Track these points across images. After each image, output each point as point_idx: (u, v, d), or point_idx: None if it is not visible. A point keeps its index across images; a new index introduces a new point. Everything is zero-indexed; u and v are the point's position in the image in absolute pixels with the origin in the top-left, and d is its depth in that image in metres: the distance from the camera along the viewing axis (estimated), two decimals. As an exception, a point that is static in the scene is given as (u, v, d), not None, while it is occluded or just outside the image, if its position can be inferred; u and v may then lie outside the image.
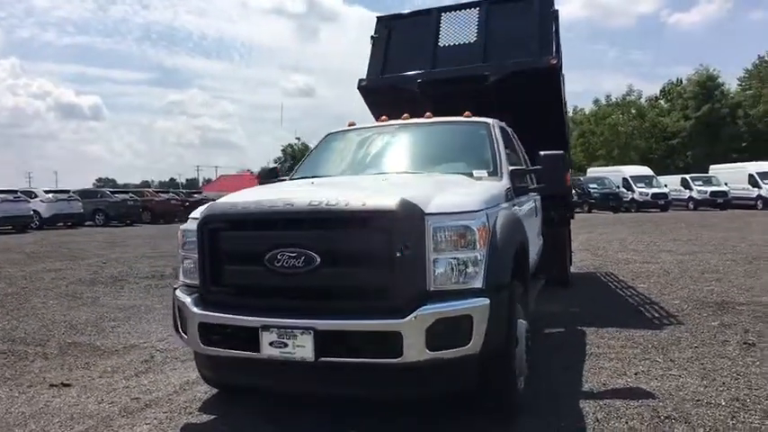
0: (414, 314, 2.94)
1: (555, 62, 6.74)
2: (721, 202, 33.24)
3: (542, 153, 4.53)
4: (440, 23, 7.67)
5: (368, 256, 3.09)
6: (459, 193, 3.48)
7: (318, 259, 3.08)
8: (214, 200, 3.81)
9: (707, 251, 12.20)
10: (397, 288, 3.01)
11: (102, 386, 4.54)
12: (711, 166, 38.66)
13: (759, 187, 32.85)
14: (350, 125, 5.55)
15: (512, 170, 4.49)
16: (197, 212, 3.71)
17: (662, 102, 53.39)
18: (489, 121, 5.04)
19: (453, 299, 3.04)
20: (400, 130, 5.16)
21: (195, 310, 3.38)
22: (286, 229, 3.22)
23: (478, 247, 3.11)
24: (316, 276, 3.10)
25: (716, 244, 13.58)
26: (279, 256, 3.14)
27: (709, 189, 34.37)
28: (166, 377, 4.73)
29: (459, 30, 7.64)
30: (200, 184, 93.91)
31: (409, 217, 3.05)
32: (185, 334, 3.51)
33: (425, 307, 2.97)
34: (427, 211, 3.10)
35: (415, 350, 2.95)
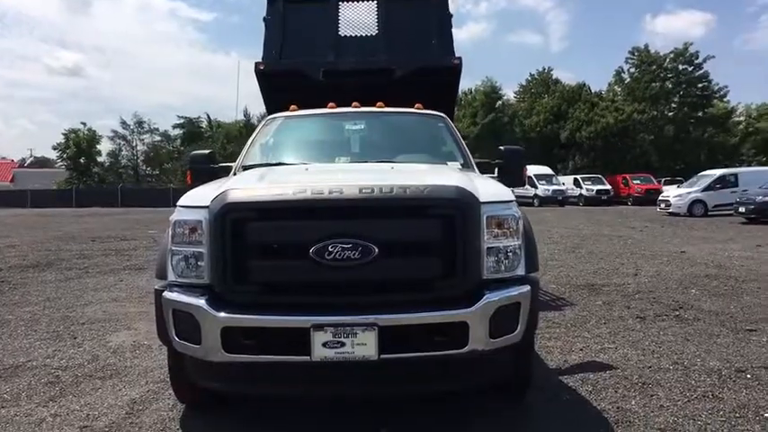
0: (481, 303, 2.94)
1: (457, 62, 7.12)
2: (507, 199, 37.99)
3: (503, 147, 4.80)
4: (338, 12, 7.57)
5: (428, 245, 3.00)
6: (490, 184, 3.55)
7: (376, 250, 2.90)
8: None
9: (532, 242, 13.86)
10: (460, 278, 2.98)
11: (18, 418, 3.66)
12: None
13: (536, 187, 38.24)
14: (292, 110, 5.23)
15: (477, 162, 4.68)
16: (198, 199, 3.21)
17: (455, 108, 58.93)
18: (443, 114, 5.17)
19: (503, 287, 3.09)
20: (359, 118, 5.02)
21: (217, 313, 2.92)
22: (339, 218, 2.96)
23: (519, 235, 3.22)
24: (373, 268, 2.91)
25: (534, 236, 15.48)
26: (330, 248, 2.88)
27: (498, 188, 39.07)
28: (98, 399, 3.98)
29: (359, 21, 7.59)
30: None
31: (469, 205, 3.03)
32: (194, 343, 3.02)
33: (489, 295, 2.99)
34: (481, 199, 3.11)
35: (479, 340, 2.95)
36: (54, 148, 58.39)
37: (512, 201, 3.30)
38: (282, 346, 2.92)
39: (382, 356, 2.88)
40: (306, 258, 2.89)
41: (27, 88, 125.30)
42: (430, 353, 2.95)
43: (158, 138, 62.76)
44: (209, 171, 4.63)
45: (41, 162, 74.59)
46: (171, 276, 3.19)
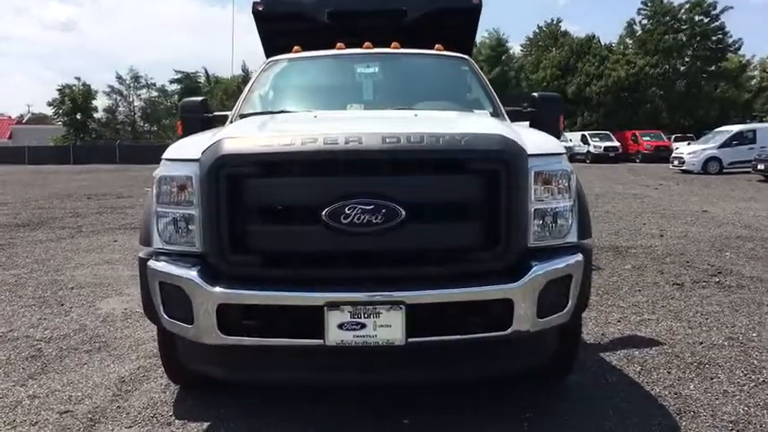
0: (528, 276, 2.45)
1: (477, 2, 6.44)
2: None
3: (537, 94, 4.25)
4: None
5: (466, 206, 2.48)
6: (535, 133, 3.00)
7: (403, 213, 2.38)
8: None
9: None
10: (503, 246, 2.47)
11: (-9, 400, 3.21)
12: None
13: (542, 144, 37.46)
14: (295, 51, 4.62)
15: (507, 111, 4.12)
16: (186, 151, 2.69)
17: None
18: (466, 56, 4.58)
19: (553, 257, 2.59)
20: (372, 60, 4.40)
21: (211, 288, 2.42)
22: (357, 174, 2.43)
23: (572, 194, 2.69)
24: (399, 235, 2.40)
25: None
26: (347, 211, 2.36)
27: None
28: (82, 377, 3.55)
29: (365, -45, 6.87)
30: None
31: (516, 158, 2.50)
32: (185, 322, 2.53)
33: (537, 267, 2.49)
34: (528, 151, 2.57)
35: (525, 320, 2.48)
36: (49, 104, 57.23)
37: (562, 153, 2.77)
38: (290, 327, 2.44)
39: (410, 340, 2.40)
40: (318, 223, 2.38)
41: (21, 43, 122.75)
42: (466, 336, 2.47)
43: (155, 93, 61.35)
44: (202, 121, 4.09)
45: (39, 119, 73.60)
46: (157, 243, 2.68)
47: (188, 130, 4.03)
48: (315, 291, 2.40)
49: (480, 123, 3.01)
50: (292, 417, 2.96)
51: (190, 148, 2.70)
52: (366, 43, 4.62)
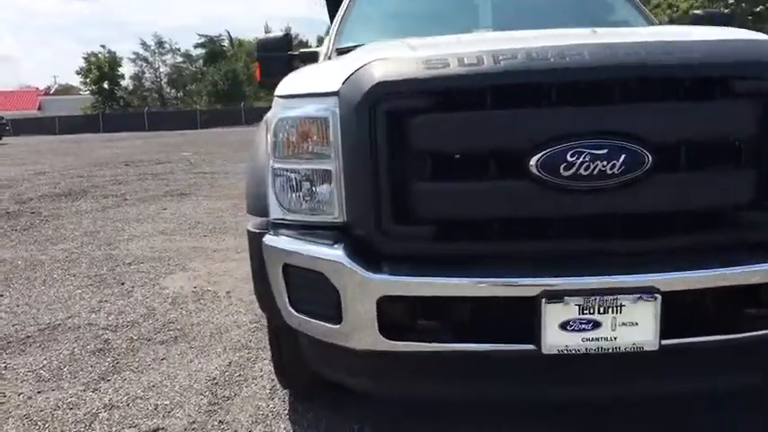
0: None
1: None
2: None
3: (703, 12, 3.42)
4: None
5: (737, 147, 1.67)
6: None
7: (649, 158, 1.59)
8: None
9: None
10: None
11: (60, 413, 2.59)
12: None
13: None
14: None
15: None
16: (317, 82, 1.91)
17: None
18: None
19: None
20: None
21: (371, 274, 1.68)
22: (582, 103, 1.62)
23: None
24: (645, 191, 1.62)
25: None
26: (569, 158, 1.58)
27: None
28: (165, 377, 2.90)
29: None
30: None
31: None
32: (326, 320, 1.81)
33: None
34: None
35: None
36: (77, 73, 57.61)
37: None
38: (486, 328, 1.70)
39: (664, 343, 1.64)
40: (524, 176, 1.61)
41: (43, 16, 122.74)
42: (738, 335, 1.70)
43: (180, 59, 61.24)
44: (286, 60, 3.31)
45: (66, 89, 73.94)
46: (275, 212, 1.95)
47: (268, 72, 3.29)
48: (526, 275, 1.64)
49: (705, 31, 2.15)
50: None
51: (319, 78, 1.93)
52: None
